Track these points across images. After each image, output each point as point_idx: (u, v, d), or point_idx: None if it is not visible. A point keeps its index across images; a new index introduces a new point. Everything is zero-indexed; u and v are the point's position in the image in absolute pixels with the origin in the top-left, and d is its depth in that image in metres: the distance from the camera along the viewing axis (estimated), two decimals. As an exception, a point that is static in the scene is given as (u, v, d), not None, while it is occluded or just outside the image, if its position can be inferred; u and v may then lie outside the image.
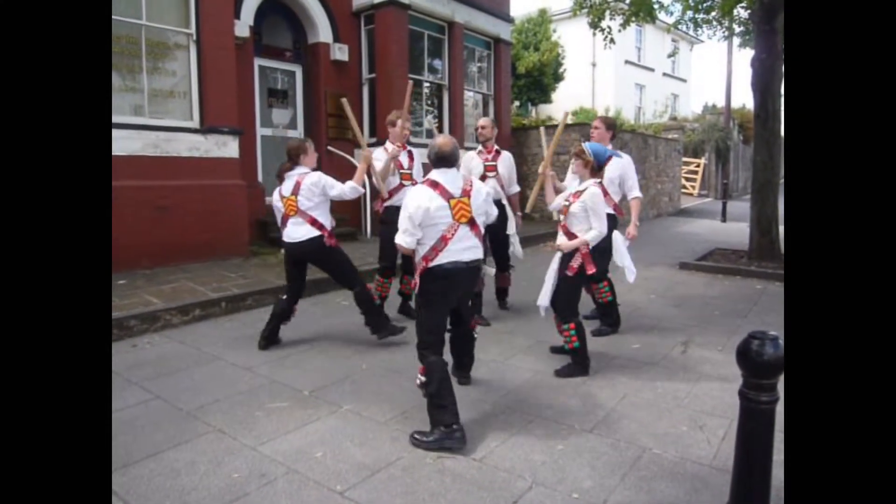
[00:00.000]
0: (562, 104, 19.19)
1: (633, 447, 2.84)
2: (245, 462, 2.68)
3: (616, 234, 4.02)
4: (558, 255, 3.84)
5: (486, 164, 5.08)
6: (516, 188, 5.22)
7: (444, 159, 3.10)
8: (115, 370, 3.76)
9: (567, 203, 3.78)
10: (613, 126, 4.88)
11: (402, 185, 4.79)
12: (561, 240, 3.81)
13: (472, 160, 5.11)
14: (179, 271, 6.10)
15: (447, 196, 3.02)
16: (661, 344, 4.47)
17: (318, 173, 4.17)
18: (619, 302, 4.82)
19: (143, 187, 6.11)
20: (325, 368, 3.92)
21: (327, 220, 4.22)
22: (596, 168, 3.76)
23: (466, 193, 3.09)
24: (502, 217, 4.76)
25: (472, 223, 3.10)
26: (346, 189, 4.19)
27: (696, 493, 2.45)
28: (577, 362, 3.78)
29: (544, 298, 3.85)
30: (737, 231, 11.02)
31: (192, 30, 6.65)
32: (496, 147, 5.19)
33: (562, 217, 3.83)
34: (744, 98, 47.81)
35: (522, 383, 3.67)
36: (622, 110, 18.64)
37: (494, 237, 4.92)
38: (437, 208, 2.99)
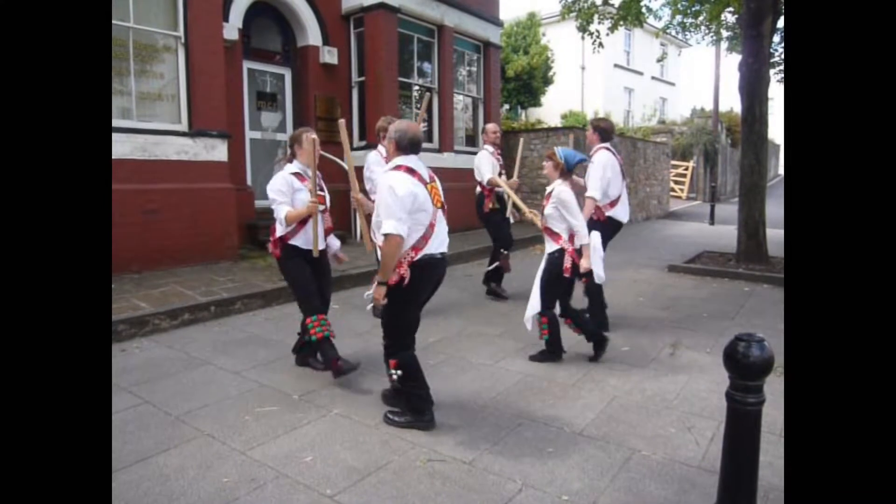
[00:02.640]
0: (551, 107, 19.28)
1: (622, 449, 2.86)
2: (234, 467, 2.67)
3: (595, 238, 3.99)
4: (544, 259, 4.07)
5: (500, 163, 5.88)
6: None
7: (417, 144, 3.02)
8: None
9: (542, 206, 4.08)
10: (600, 129, 4.83)
11: None
12: (548, 246, 4.06)
13: (488, 159, 5.74)
14: (168, 275, 6.06)
15: (424, 182, 2.95)
16: (650, 346, 4.50)
17: (282, 174, 3.65)
18: (606, 303, 4.93)
19: (131, 191, 6.05)
20: (315, 372, 3.89)
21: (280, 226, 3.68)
22: (565, 171, 4.00)
23: (433, 178, 3.05)
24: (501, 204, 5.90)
25: (443, 207, 3.07)
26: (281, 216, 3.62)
27: (685, 493, 2.47)
28: (550, 350, 4.12)
29: (532, 310, 4.02)
30: (725, 234, 11.12)
31: (181, 32, 6.61)
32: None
33: (542, 221, 4.12)
34: (731, 102, 48.28)
35: (512, 386, 3.68)
36: (611, 114, 18.75)
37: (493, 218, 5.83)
38: (423, 194, 2.92)
